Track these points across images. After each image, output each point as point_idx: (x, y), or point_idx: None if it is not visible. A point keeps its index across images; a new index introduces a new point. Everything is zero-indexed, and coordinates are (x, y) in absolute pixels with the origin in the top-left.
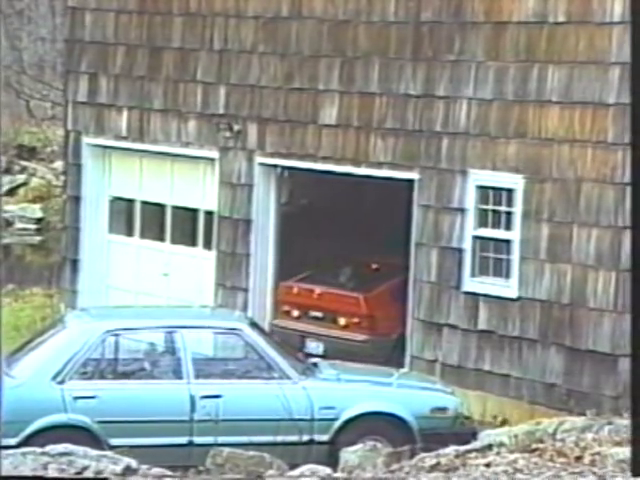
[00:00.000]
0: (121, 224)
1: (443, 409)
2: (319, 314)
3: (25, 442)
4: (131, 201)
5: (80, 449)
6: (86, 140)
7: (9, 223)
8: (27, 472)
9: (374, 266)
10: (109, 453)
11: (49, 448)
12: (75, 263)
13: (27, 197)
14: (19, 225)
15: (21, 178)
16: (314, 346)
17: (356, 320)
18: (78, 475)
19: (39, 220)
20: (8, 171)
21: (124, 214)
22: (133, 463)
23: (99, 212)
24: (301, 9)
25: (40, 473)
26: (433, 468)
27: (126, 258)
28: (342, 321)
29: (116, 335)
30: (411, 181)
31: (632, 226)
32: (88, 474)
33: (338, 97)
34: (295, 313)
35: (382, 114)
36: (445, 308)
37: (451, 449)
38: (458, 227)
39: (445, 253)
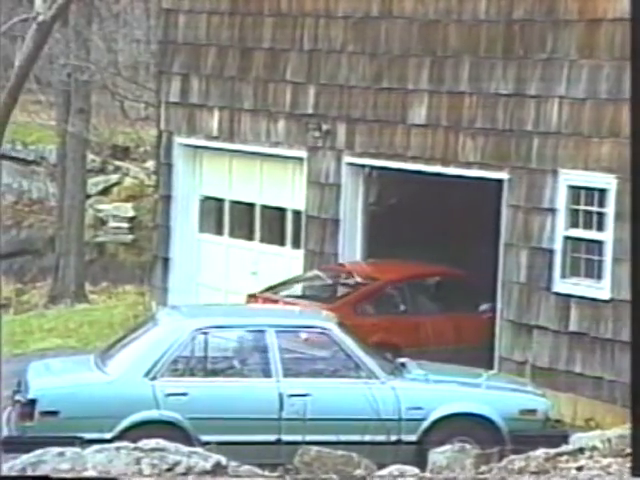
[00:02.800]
0: (211, 223)
1: (533, 411)
2: None
3: (119, 437)
4: (221, 200)
5: (171, 445)
6: (178, 140)
7: (103, 222)
8: (121, 466)
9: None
10: (199, 450)
11: (141, 443)
12: (166, 261)
13: (120, 196)
14: (112, 224)
15: (115, 178)
16: None
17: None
18: (169, 470)
19: (131, 219)
20: (102, 171)
21: (214, 213)
22: (223, 460)
23: (190, 211)
24: (391, 9)
25: (133, 468)
26: (522, 471)
27: (216, 257)
28: (302, 335)
29: (206, 333)
30: (500, 181)
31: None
32: (179, 470)
33: (427, 97)
34: None
35: (472, 113)
36: (535, 309)
37: (541, 452)
38: (549, 227)
39: (535, 254)
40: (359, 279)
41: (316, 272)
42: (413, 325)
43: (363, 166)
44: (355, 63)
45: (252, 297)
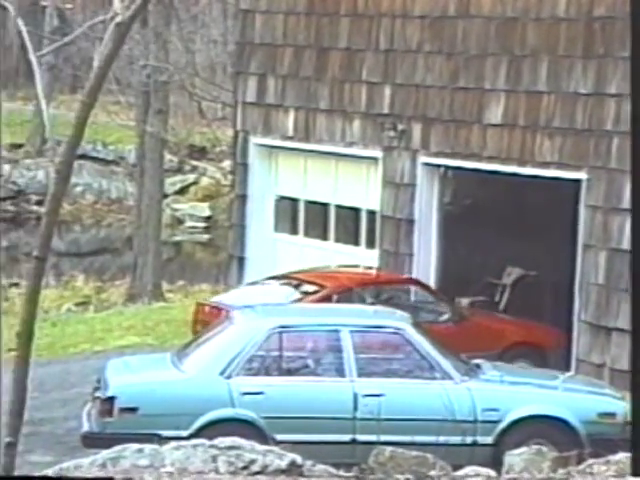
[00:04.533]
0: (286, 223)
1: (611, 414)
2: None
3: (195, 435)
4: (296, 200)
5: (247, 443)
6: (254, 140)
7: (180, 221)
8: (198, 464)
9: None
10: (275, 448)
11: (217, 441)
12: (241, 261)
13: (197, 196)
14: (189, 223)
15: (191, 177)
16: None
17: None
18: (245, 468)
19: (208, 218)
20: (179, 170)
21: (289, 213)
22: (298, 459)
23: (265, 211)
24: (469, 8)
25: (210, 465)
26: (602, 475)
27: (290, 256)
28: None
29: (281, 332)
30: (579, 181)
31: (632, 227)
32: (255, 468)
33: (504, 96)
34: None
35: (550, 113)
36: (614, 311)
37: (621, 456)
38: (629, 228)
39: (614, 255)
40: (310, 287)
41: (269, 280)
42: None
43: (438, 166)
44: (431, 63)
45: (200, 305)
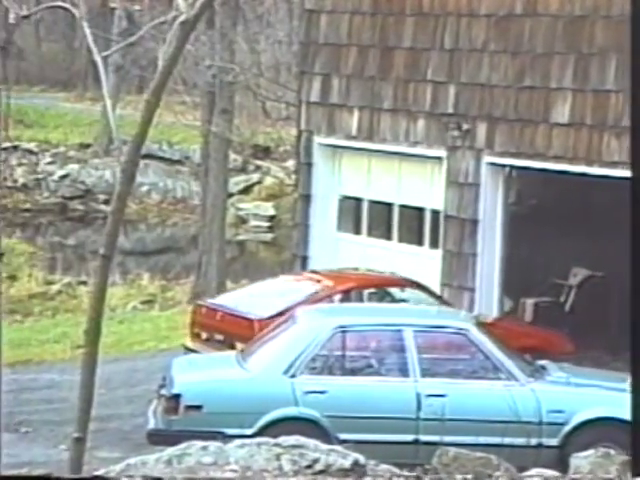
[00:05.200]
0: (349, 222)
1: None
2: (221, 337)
3: (258, 433)
4: (359, 200)
5: (310, 442)
6: (317, 140)
7: (244, 221)
8: (262, 462)
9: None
10: (338, 447)
11: (281, 440)
12: (305, 260)
13: (261, 195)
14: (253, 223)
15: (255, 177)
16: None
17: None
18: (308, 467)
19: (271, 218)
20: (244, 170)
21: (352, 212)
22: (361, 459)
23: (329, 210)
24: (536, 6)
25: (274, 464)
26: None
27: (354, 256)
28: (239, 345)
29: (344, 332)
30: None
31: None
32: (318, 467)
33: (571, 95)
34: (204, 335)
35: (618, 112)
36: None
37: None
38: None
39: None
40: (316, 288)
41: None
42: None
43: (503, 166)
44: (497, 62)
45: (198, 306)
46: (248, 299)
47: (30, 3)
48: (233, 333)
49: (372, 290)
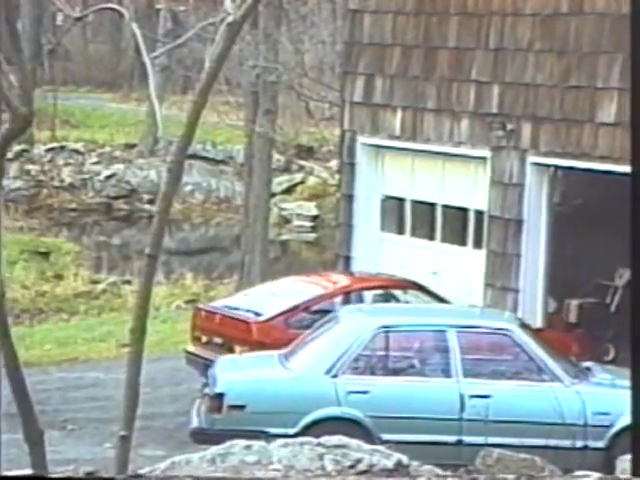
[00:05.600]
0: (392, 222)
1: None
2: (220, 340)
3: (301, 433)
4: (402, 200)
5: (353, 442)
6: (361, 140)
7: (287, 220)
8: (305, 462)
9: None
10: (381, 448)
11: (324, 439)
12: (348, 260)
13: (304, 195)
14: (296, 222)
15: (298, 177)
16: None
17: (247, 348)
18: (351, 467)
19: (314, 217)
20: (287, 170)
21: (395, 212)
22: (404, 459)
23: (372, 210)
24: (582, 5)
25: (317, 464)
26: None
27: (397, 256)
28: (237, 349)
29: (387, 332)
30: None
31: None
32: (361, 467)
33: (617, 94)
34: (204, 339)
35: None
36: None
37: None
38: None
39: None
40: (321, 291)
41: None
42: None
43: (548, 166)
44: (542, 61)
45: (198, 310)
46: (248, 302)
47: (79, 5)
48: (231, 336)
49: (377, 292)
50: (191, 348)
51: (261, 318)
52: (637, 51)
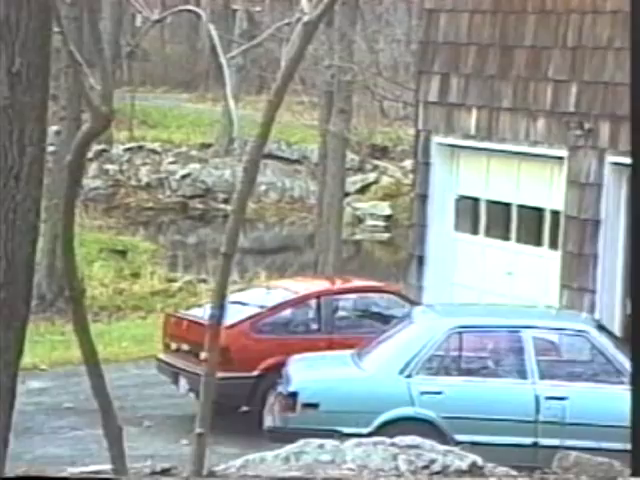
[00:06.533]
0: (467, 222)
1: None
2: (187, 347)
3: (374, 432)
4: (477, 200)
5: (427, 442)
6: (435, 139)
7: (360, 220)
8: (378, 461)
9: None
10: (455, 449)
11: (398, 439)
12: (421, 260)
13: (377, 195)
14: (369, 222)
15: (372, 176)
16: (183, 384)
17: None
18: (425, 468)
19: (388, 217)
20: (361, 170)
21: (470, 212)
22: (479, 460)
23: (446, 210)
24: None
25: (390, 464)
26: None
27: (471, 256)
28: (203, 355)
29: (461, 332)
30: None
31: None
32: (435, 468)
33: None
34: (173, 346)
35: None
36: None
37: None
38: None
39: None
40: (286, 294)
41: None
42: (316, 346)
43: (627, 165)
44: (622, 59)
45: (168, 317)
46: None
47: (158, 7)
48: (198, 342)
49: (355, 296)
50: (162, 355)
51: (226, 324)
52: (637, 49)
